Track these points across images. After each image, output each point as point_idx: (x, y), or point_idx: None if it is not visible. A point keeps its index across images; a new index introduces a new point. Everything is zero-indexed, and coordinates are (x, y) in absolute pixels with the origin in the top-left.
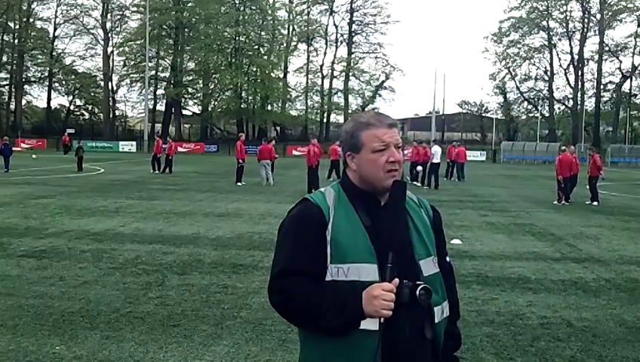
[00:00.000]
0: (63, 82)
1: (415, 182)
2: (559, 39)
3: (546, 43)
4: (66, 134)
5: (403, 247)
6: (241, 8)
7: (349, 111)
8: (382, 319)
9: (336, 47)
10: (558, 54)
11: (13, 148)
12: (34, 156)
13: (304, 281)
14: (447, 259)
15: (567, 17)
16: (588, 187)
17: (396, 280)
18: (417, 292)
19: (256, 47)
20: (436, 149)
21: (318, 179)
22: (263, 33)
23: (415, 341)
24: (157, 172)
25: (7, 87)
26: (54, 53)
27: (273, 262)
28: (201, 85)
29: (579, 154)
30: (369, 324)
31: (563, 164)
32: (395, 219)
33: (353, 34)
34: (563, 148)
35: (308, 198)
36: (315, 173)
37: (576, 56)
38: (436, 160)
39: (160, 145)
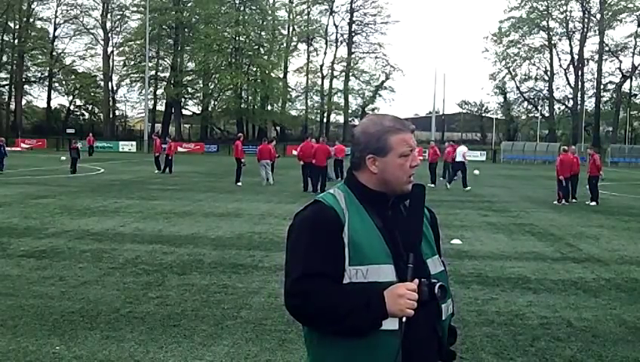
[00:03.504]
0: (63, 82)
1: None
2: (559, 39)
3: (546, 43)
4: (90, 135)
5: (406, 247)
6: (241, 8)
7: (349, 111)
8: (404, 318)
9: (336, 47)
10: (558, 54)
11: (12, 148)
12: (62, 158)
13: (326, 283)
14: (442, 257)
15: (567, 17)
16: (587, 187)
17: (416, 279)
18: (436, 290)
19: (256, 47)
20: (461, 149)
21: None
22: (263, 33)
23: (429, 338)
24: (157, 171)
25: (7, 87)
26: (54, 53)
27: (288, 264)
28: (201, 85)
29: (579, 154)
30: (390, 324)
31: (564, 164)
32: (415, 221)
33: (353, 34)
34: (564, 148)
35: (320, 200)
36: (325, 173)
37: (576, 56)
38: (460, 159)
39: (158, 144)
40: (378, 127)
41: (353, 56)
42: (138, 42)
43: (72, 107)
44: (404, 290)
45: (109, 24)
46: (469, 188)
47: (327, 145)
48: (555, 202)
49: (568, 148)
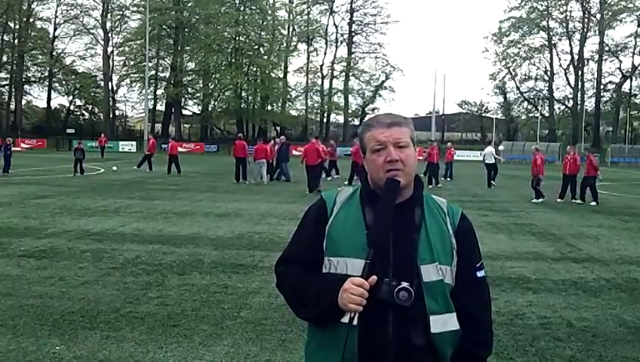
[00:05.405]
0: (63, 82)
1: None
2: (559, 39)
3: (546, 43)
4: (102, 136)
5: (393, 247)
6: (241, 8)
7: (349, 111)
8: (353, 314)
9: (336, 47)
10: (558, 54)
11: (13, 149)
12: (114, 168)
13: (297, 269)
14: (479, 273)
15: (567, 17)
16: (581, 187)
17: (374, 277)
18: (395, 290)
19: (256, 47)
20: (489, 150)
21: (319, 178)
22: (263, 33)
23: (399, 344)
24: (146, 170)
25: (7, 87)
26: (54, 53)
27: None
28: (201, 85)
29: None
30: (345, 318)
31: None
32: (381, 217)
33: (353, 34)
34: (536, 147)
35: (321, 194)
36: (315, 173)
37: (576, 56)
38: (489, 160)
39: (151, 144)
40: (361, 127)
41: (353, 56)
42: (138, 42)
43: (72, 107)
44: (349, 285)
45: (109, 24)
46: (493, 186)
47: (317, 146)
48: (558, 200)
49: (570, 148)
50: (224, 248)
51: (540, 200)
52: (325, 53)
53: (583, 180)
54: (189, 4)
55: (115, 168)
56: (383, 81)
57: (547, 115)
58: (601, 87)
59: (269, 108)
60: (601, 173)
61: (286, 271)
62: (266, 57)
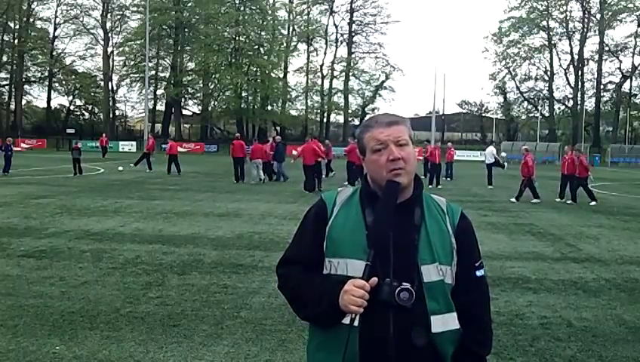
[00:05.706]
0: (63, 82)
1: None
2: (559, 39)
3: (546, 43)
4: (104, 136)
5: (393, 248)
6: (241, 8)
7: (349, 111)
8: (354, 315)
9: (336, 47)
10: (558, 54)
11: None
12: (120, 168)
13: (298, 270)
14: (479, 273)
15: (567, 17)
16: (573, 188)
17: (374, 278)
18: (396, 291)
19: (256, 47)
20: (489, 150)
21: (313, 177)
22: (263, 33)
23: (401, 344)
24: (146, 170)
25: (7, 87)
26: (54, 53)
27: None
28: (201, 85)
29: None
30: (346, 319)
31: (529, 165)
32: (381, 218)
33: (353, 34)
34: (526, 148)
35: (321, 195)
36: (312, 173)
37: (576, 56)
38: (489, 160)
39: (151, 144)
40: (359, 128)
41: (353, 56)
42: (138, 42)
43: (72, 107)
44: (350, 286)
45: (109, 24)
46: (491, 187)
47: (314, 146)
48: (557, 199)
49: (568, 148)
50: (224, 248)
51: (534, 200)
52: (325, 53)
53: (574, 181)
54: (189, 4)
55: (120, 168)
56: (383, 81)
57: (547, 115)
58: (601, 87)
59: (269, 108)
60: (591, 173)
61: (287, 272)
62: (266, 57)
